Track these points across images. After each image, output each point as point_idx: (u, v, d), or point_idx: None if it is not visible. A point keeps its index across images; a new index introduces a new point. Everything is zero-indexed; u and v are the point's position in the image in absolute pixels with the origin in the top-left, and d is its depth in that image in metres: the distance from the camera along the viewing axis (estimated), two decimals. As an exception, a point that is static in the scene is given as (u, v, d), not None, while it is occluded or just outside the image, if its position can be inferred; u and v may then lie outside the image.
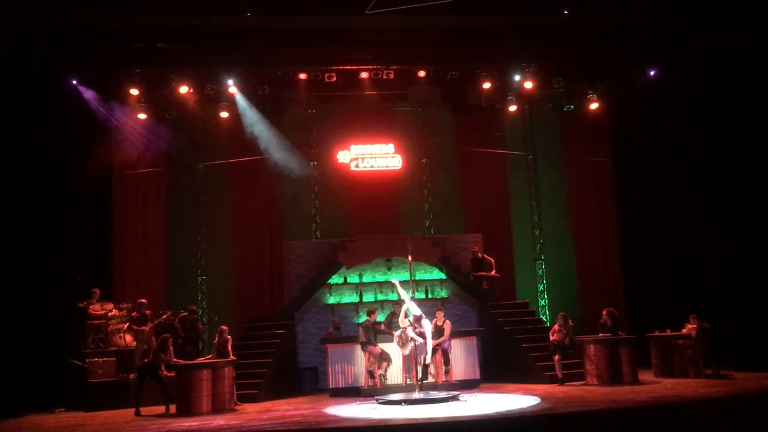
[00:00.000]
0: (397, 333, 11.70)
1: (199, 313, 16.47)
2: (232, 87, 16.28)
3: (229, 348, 12.37)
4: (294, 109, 17.98)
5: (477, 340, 14.19)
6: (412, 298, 11.99)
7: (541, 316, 17.03)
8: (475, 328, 15.13)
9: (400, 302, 14.21)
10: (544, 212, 18.54)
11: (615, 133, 18.12)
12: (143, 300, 13.87)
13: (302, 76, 16.46)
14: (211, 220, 17.67)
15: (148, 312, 13.62)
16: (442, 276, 15.97)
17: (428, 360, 11.94)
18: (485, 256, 15.95)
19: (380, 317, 14.37)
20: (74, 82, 15.61)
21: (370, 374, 13.29)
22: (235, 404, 11.99)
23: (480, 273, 15.72)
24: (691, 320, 13.01)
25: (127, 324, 13.59)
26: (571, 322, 13.25)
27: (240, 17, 14.40)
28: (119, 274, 16.56)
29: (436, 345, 13.02)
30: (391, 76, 16.70)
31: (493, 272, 15.77)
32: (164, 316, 13.55)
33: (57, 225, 14.76)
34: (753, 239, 14.81)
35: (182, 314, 13.89)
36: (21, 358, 13.11)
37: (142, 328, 13.24)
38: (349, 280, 15.85)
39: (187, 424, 10.24)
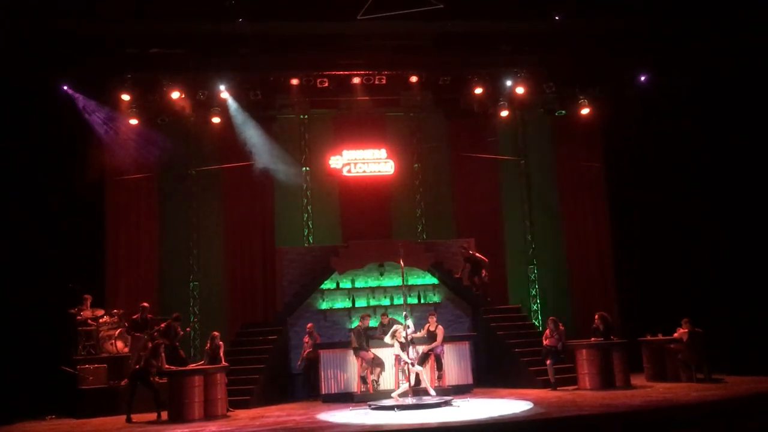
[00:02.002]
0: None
1: (191, 319, 16.49)
2: (224, 92, 16.25)
3: (221, 354, 12.35)
4: (286, 114, 18.01)
5: (470, 345, 14.18)
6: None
7: (533, 321, 17.05)
8: (468, 333, 15.12)
9: (387, 312, 14.39)
10: (536, 217, 18.57)
11: (607, 138, 18.17)
12: (146, 304, 13.80)
13: (294, 81, 16.46)
14: (203, 225, 17.62)
15: (149, 316, 13.54)
16: (435, 281, 15.97)
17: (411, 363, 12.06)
18: (477, 254, 15.96)
19: (372, 323, 14.35)
20: (66, 87, 15.55)
21: (363, 380, 13.28)
22: (228, 410, 11.95)
23: (473, 278, 15.71)
24: (683, 324, 13.05)
25: (119, 330, 13.52)
26: (562, 327, 13.27)
27: (232, 23, 14.39)
28: (111, 280, 16.48)
29: (429, 350, 13.06)
30: (384, 81, 16.71)
31: (484, 273, 15.76)
32: (163, 324, 13.48)
33: (48, 231, 14.67)
34: (746, 244, 14.88)
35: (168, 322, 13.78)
36: (12, 365, 13.04)
37: (138, 334, 13.15)
38: (341, 285, 15.81)
39: (179, 430, 10.22)
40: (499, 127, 18.12)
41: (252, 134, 17.04)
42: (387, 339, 12.27)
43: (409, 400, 11.49)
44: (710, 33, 15.06)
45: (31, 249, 14.21)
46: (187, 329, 14.76)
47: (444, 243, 16.79)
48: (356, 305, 15.67)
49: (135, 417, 11.49)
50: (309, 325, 14.59)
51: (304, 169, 18.09)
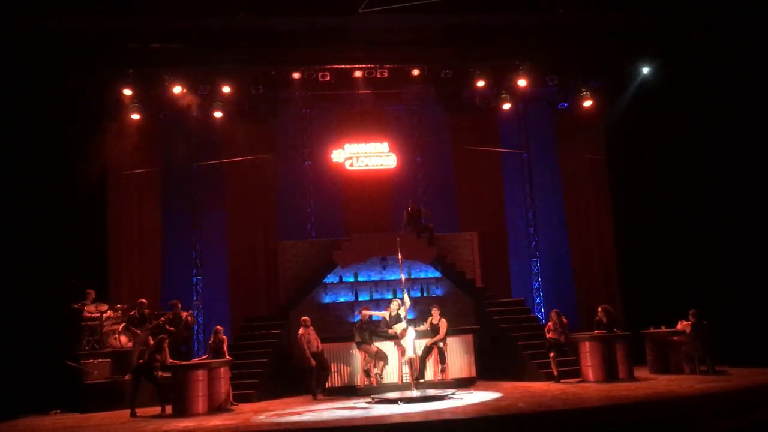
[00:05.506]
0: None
1: (195, 314, 16.49)
2: (225, 87, 16.23)
3: (225, 348, 12.38)
4: (288, 108, 17.98)
5: (473, 338, 14.19)
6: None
7: (536, 314, 17.05)
8: (471, 326, 15.11)
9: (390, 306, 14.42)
10: (539, 210, 18.57)
11: (609, 130, 18.13)
12: (143, 300, 13.76)
13: (296, 75, 16.44)
14: (205, 220, 17.65)
15: (146, 312, 13.56)
16: (438, 274, 15.97)
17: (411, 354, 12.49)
18: (423, 209, 16.25)
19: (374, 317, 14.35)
20: (68, 82, 15.53)
21: (366, 373, 13.31)
22: (231, 404, 11.96)
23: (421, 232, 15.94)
24: (690, 316, 12.99)
25: (123, 325, 13.54)
26: (565, 319, 13.27)
27: (233, 18, 14.37)
28: (114, 275, 16.51)
29: (432, 343, 13.09)
30: (385, 75, 16.69)
31: (430, 224, 16.06)
32: (162, 318, 13.50)
33: (51, 226, 14.68)
34: (749, 236, 14.86)
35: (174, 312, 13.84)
36: (16, 360, 13.06)
37: (137, 331, 13.15)
38: (344, 279, 15.82)
39: (182, 424, 10.22)
40: (501, 120, 18.09)
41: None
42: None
43: (413, 393, 11.50)
44: (718, 24, 15.00)
45: (33, 244, 14.21)
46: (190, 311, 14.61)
47: (447, 237, 16.77)
48: (359, 299, 15.66)
49: (139, 411, 11.50)
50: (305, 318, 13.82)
51: (306, 162, 18.11)
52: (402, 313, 12.87)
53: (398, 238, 13.33)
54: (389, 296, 15.56)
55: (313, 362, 12.96)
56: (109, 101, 16.10)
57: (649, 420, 9.48)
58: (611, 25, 15.41)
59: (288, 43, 15.60)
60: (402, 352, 12.93)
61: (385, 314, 13.31)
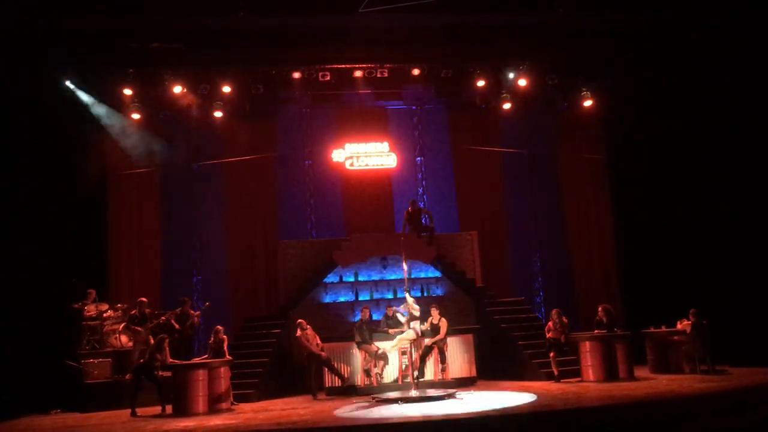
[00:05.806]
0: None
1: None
2: (225, 87, 16.24)
3: (225, 348, 12.38)
4: (288, 108, 18.00)
5: (473, 337, 14.19)
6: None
7: (536, 313, 17.05)
8: (471, 325, 15.12)
9: (392, 304, 14.39)
10: (539, 210, 18.55)
11: (609, 130, 18.14)
12: (143, 299, 13.73)
13: (296, 75, 16.44)
14: (205, 219, 17.64)
15: (147, 311, 13.56)
16: (438, 274, 15.98)
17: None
18: (423, 209, 16.40)
19: (375, 316, 14.36)
20: (68, 82, 15.55)
21: (367, 373, 13.31)
22: (232, 404, 11.97)
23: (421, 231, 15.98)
24: (690, 316, 12.99)
25: (123, 324, 13.53)
26: (565, 319, 13.27)
27: (233, 17, 14.38)
28: (114, 274, 16.53)
29: (432, 343, 13.09)
30: (386, 74, 16.69)
31: (425, 218, 16.17)
32: (163, 318, 13.49)
33: (51, 226, 14.68)
34: (749, 236, 14.85)
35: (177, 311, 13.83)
36: (16, 360, 13.06)
37: (137, 328, 13.15)
38: (344, 278, 15.83)
39: (183, 424, 10.22)
40: (501, 119, 18.09)
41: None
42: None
43: (413, 393, 11.51)
44: (712, 25, 15.00)
45: (33, 244, 14.20)
46: (207, 304, 14.57)
47: (447, 236, 16.79)
48: (360, 298, 15.68)
49: (139, 411, 11.50)
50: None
51: (306, 162, 18.13)
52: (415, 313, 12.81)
53: (402, 238, 13.32)
54: (389, 296, 15.61)
55: (324, 354, 13.05)
56: (109, 101, 16.11)
57: (649, 420, 9.48)
58: (611, 25, 15.39)
59: (288, 43, 15.59)
60: (413, 348, 12.80)
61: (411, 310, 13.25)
